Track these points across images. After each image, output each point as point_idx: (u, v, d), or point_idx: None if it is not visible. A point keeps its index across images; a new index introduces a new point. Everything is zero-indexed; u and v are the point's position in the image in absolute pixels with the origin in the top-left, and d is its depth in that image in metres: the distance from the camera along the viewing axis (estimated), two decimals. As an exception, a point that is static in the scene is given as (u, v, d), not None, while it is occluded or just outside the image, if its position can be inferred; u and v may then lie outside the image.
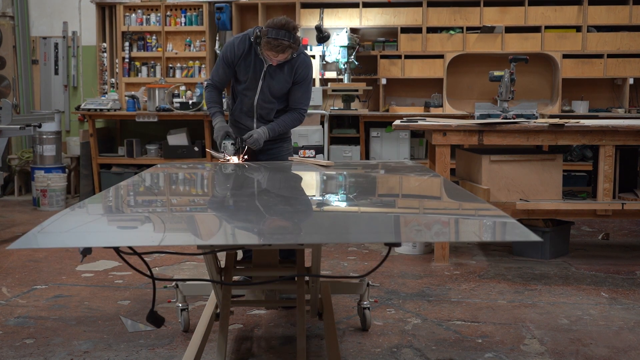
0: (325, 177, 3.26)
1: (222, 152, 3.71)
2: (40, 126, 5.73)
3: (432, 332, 3.38)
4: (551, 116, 6.18)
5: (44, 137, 6.94)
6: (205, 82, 3.92)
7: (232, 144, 3.65)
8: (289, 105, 3.82)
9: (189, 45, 7.25)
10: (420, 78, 7.00)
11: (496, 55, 6.95)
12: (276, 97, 3.75)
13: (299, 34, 3.57)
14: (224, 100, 3.94)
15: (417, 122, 4.78)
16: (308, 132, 6.47)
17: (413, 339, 3.28)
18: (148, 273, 2.20)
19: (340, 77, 6.93)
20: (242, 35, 3.72)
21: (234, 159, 3.70)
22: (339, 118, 7.07)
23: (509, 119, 4.76)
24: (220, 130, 3.73)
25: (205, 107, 6.90)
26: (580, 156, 6.83)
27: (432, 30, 6.95)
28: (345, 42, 6.65)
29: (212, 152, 3.94)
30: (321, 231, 2.11)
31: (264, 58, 3.64)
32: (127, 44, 7.27)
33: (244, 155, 3.70)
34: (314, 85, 6.79)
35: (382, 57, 6.96)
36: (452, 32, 6.90)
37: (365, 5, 6.94)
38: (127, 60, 7.30)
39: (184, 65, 7.28)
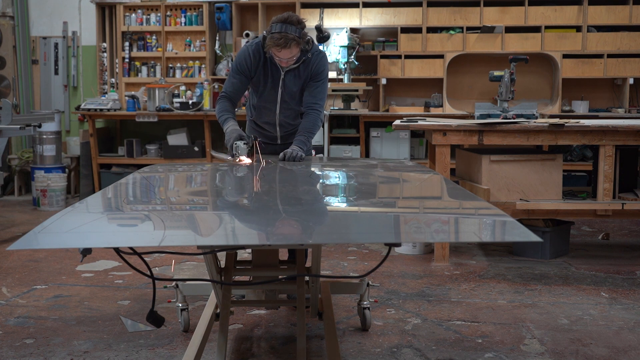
0: (324, 178, 3.25)
1: (235, 154, 3.47)
2: (40, 126, 5.72)
3: (432, 332, 3.38)
4: (551, 116, 6.18)
5: (44, 137, 6.94)
6: (219, 94, 3.68)
7: (244, 144, 3.44)
8: (303, 106, 3.60)
9: (189, 45, 7.25)
10: (420, 78, 7.00)
11: (496, 55, 6.95)
12: (300, 104, 3.59)
13: (306, 31, 3.37)
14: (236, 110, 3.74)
15: (417, 122, 4.78)
16: (308, 132, 6.46)
17: (413, 339, 3.28)
18: (148, 273, 2.20)
19: (340, 77, 6.93)
20: (256, 44, 3.50)
21: (246, 160, 3.46)
22: (339, 118, 7.07)
23: (509, 119, 4.76)
24: (233, 133, 3.47)
25: (205, 107, 6.92)
26: (580, 156, 6.83)
27: (432, 30, 6.95)
28: (345, 42, 6.65)
29: (215, 154, 3.82)
30: (321, 231, 2.11)
31: (279, 65, 3.47)
32: (127, 44, 7.27)
33: (256, 154, 3.47)
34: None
35: (382, 57, 6.96)
36: (452, 32, 6.89)
37: (365, 5, 6.94)
38: (127, 60, 7.30)
39: (184, 65, 7.28)
